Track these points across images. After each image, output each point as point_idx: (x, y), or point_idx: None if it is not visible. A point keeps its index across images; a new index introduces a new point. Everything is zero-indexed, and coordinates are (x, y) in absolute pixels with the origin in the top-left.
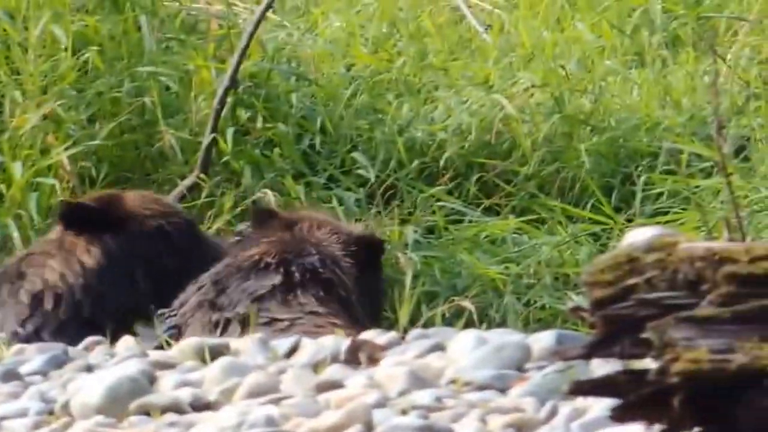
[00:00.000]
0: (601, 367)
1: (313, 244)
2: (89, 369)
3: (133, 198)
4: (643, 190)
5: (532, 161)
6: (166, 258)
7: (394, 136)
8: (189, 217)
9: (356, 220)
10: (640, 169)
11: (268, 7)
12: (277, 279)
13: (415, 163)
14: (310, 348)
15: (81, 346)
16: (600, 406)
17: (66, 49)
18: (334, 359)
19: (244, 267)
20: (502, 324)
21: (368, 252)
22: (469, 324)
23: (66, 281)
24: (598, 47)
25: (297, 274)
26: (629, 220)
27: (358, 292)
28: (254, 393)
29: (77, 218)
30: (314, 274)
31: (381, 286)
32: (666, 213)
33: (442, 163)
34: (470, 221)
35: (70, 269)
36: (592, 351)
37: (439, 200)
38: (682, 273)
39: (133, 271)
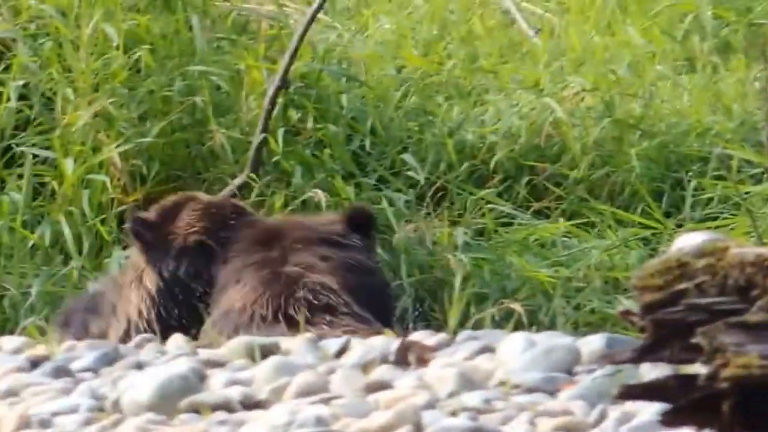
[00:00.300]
0: (650, 372)
1: (298, 274)
2: (140, 366)
3: (188, 210)
4: (693, 195)
5: (582, 165)
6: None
7: (444, 138)
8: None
9: (406, 222)
10: (690, 174)
11: (320, 8)
12: (281, 329)
13: (465, 165)
14: (360, 348)
15: (132, 343)
16: (649, 410)
17: (117, 48)
18: (384, 360)
19: (242, 323)
20: (551, 327)
21: (360, 223)
22: (518, 326)
23: (140, 311)
24: (649, 52)
25: (297, 313)
26: (679, 225)
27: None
28: (304, 392)
29: (140, 231)
30: (312, 305)
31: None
32: (716, 218)
33: (492, 165)
34: (520, 224)
35: (141, 298)
36: (641, 355)
37: (488, 203)
38: (732, 278)
39: (185, 288)
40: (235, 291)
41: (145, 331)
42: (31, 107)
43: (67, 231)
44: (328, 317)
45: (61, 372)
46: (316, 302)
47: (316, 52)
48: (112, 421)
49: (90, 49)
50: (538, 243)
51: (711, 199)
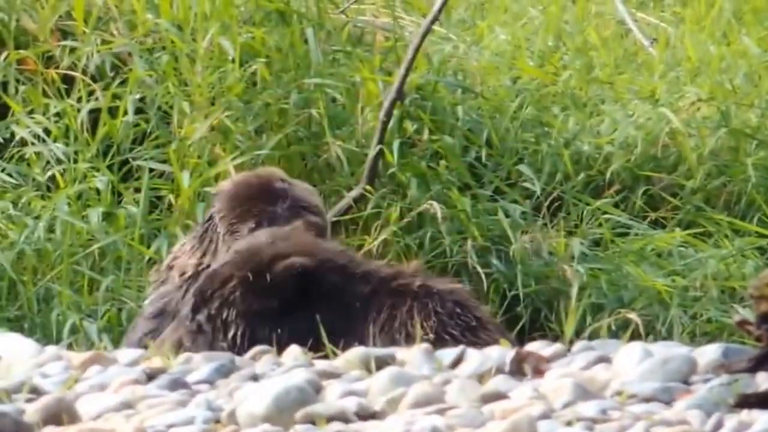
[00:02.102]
0: (766, 381)
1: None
2: (255, 378)
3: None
4: None
5: (698, 175)
6: None
7: (560, 149)
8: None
9: (523, 232)
10: None
11: (435, 19)
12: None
13: (582, 175)
14: (476, 359)
15: (248, 355)
16: (765, 419)
17: (233, 61)
18: (499, 370)
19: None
20: (668, 336)
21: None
22: (634, 336)
23: None
24: (765, 61)
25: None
26: None
27: None
28: (420, 403)
29: None
30: None
31: None
32: None
33: (608, 175)
34: (636, 234)
35: None
36: (758, 364)
37: (605, 213)
38: None
39: None
40: None
41: None
42: (147, 121)
43: None
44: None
45: (177, 384)
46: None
47: (432, 63)
48: None
49: (206, 62)
50: (655, 253)
51: None
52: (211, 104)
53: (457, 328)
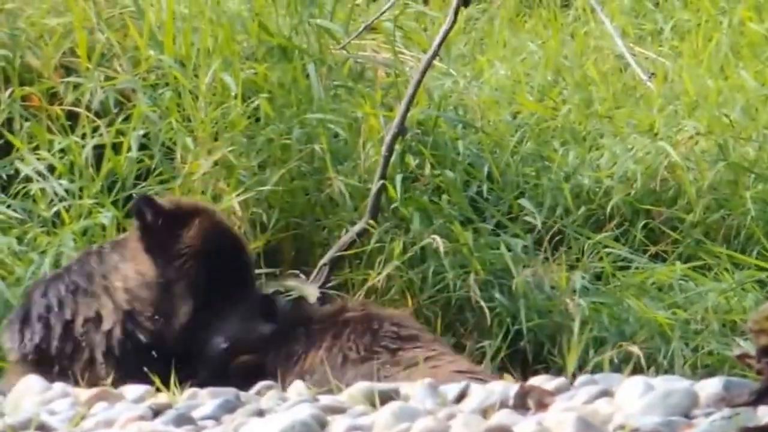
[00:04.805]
0: None
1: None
2: (261, 413)
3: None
4: None
5: (697, 208)
6: None
7: (560, 183)
8: None
9: (524, 266)
10: None
11: (435, 55)
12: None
13: (582, 209)
14: (479, 393)
15: (253, 390)
16: None
17: (236, 97)
18: (503, 404)
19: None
20: (670, 369)
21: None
22: (636, 369)
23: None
24: (762, 95)
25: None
26: None
27: None
28: None
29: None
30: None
31: None
32: None
33: (608, 209)
34: (637, 267)
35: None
36: (759, 398)
37: (606, 246)
38: None
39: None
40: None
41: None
42: (151, 157)
43: None
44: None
45: (183, 420)
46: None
47: (433, 98)
48: None
49: (209, 98)
50: (656, 286)
51: None
52: (214, 140)
53: (389, 340)
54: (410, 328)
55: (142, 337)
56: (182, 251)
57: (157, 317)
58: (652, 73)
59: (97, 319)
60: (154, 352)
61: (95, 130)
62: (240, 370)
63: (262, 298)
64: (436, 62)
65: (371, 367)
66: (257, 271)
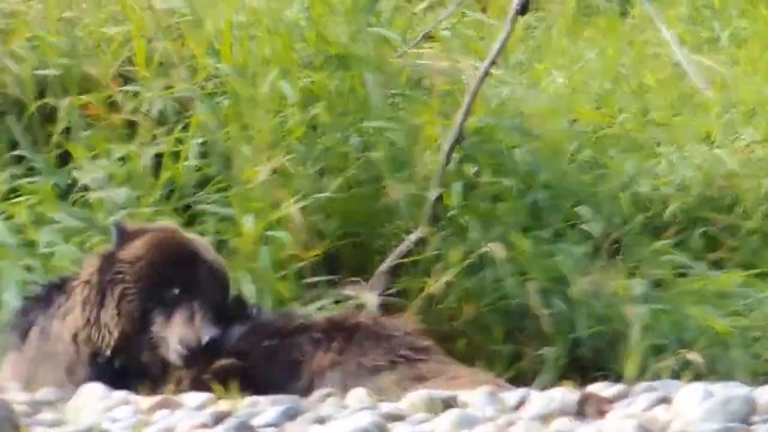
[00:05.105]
0: None
1: None
2: (321, 421)
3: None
4: None
5: (755, 215)
6: None
7: (618, 191)
8: None
9: (583, 274)
10: None
11: (493, 63)
12: None
13: (640, 217)
14: (539, 400)
15: (314, 397)
16: None
17: (294, 105)
18: (562, 411)
19: None
20: (729, 376)
21: None
22: (696, 376)
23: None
24: None
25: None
26: None
27: None
28: None
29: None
30: None
31: None
32: None
33: (666, 217)
34: (695, 275)
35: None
36: None
37: (664, 254)
38: None
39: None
40: None
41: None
42: (210, 165)
43: (248, 288)
44: None
45: (243, 428)
46: None
47: (490, 106)
48: None
49: (267, 106)
50: (715, 293)
51: None
52: (272, 148)
53: (409, 349)
54: (422, 339)
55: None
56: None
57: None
58: (709, 82)
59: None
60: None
61: (154, 138)
62: (218, 375)
63: (234, 298)
64: (493, 70)
65: (388, 377)
66: (316, 278)
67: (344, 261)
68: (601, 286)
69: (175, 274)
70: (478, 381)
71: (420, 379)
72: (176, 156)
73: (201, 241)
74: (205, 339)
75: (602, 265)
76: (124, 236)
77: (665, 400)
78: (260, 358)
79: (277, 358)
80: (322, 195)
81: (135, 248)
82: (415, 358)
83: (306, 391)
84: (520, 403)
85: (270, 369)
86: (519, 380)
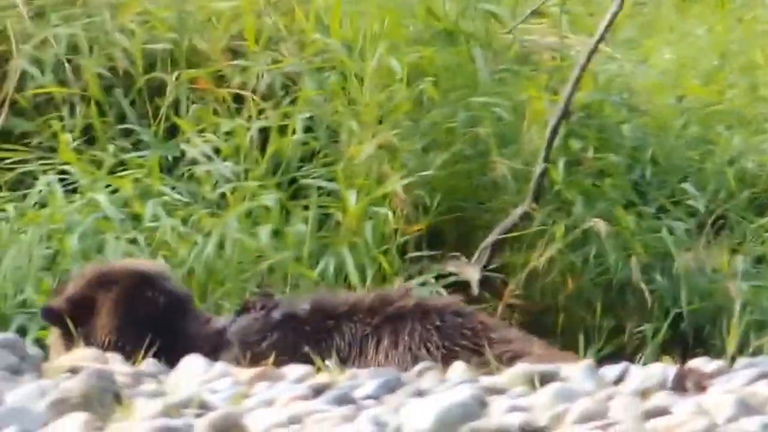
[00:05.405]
0: None
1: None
2: (421, 394)
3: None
4: None
5: None
6: None
7: (724, 167)
8: None
9: (686, 250)
10: None
11: (601, 39)
12: None
13: (745, 193)
14: (638, 375)
15: (413, 371)
16: None
17: (401, 80)
18: (662, 386)
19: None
20: None
21: None
22: None
23: None
24: None
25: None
26: None
27: None
28: (583, 418)
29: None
30: None
31: None
32: None
33: None
34: None
35: None
36: None
37: None
38: None
39: None
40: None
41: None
42: (316, 139)
43: (350, 262)
44: None
45: (344, 400)
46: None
47: (598, 82)
48: None
49: (374, 81)
50: None
51: None
52: (378, 123)
53: (463, 337)
54: (472, 315)
55: None
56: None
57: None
58: None
59: None
60: None
61: (261, 112)
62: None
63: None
64: (601, 46)
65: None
66: (419, 253)
67: (448, 236)
68: (704, 262)
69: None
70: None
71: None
72: (283, 130)
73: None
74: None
75: (706, 241)
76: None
77: (765, 376)
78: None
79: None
80: (428, 172)
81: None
82: (472, 346)
83: None
84: (620, 378)
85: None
86: (619, 355)
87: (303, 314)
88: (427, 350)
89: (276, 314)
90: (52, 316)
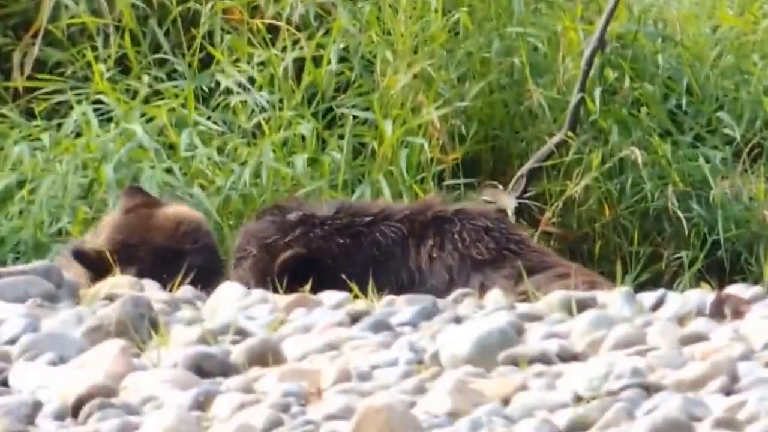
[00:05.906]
0: None
1: None
2: (458, 321)
3: None
4: None
5: None
6: None
7: (759, 96)
8: None
9: (723, 178)
10: None
11: None
12: None
13: None
14: (676, 301)
15: (450, 298)
16: None
17: (436, 11)
18: (700, 313)
19: None
20: None
21: None
22: None
23: None
24: None
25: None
26: None
27: None
28: (621, 345)
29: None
30: None
31: None
32: None
33: None
34: None
35: None
36: None
37: None
38: None
39: None
40: None
41: None
42: (351, 70)
43: (386, 191)
44: None
45: (380, 326)
46: None
47: (632, 13)
48: (431, 374)
49: (409, 12)
50: None
51: None
52: (413, 53)
53: (509, 242)
54: (509, 225)
55: None
56: None
57: None
58: None
59: None
60: None
61: (295, 43)
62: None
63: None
64: None
65: (507, 271)
66: (455, 181)
67: (483, 164)
68: (740, 190)
69: None
70: (585, 279)
71: (529, 272)
72: (317, 61)
73: None
74: None
75: (742, 169)
76: None
77: None
78: (338, 255)
79: (356, 257)
80: (463, 103)
81: None
82: (518, 251)
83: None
84: (657, 305)
85: (350, 266)
86: (656, 282)
87: (323, 215)
88: (477, 251)
89: (292, 216)
90: (84, 259)
